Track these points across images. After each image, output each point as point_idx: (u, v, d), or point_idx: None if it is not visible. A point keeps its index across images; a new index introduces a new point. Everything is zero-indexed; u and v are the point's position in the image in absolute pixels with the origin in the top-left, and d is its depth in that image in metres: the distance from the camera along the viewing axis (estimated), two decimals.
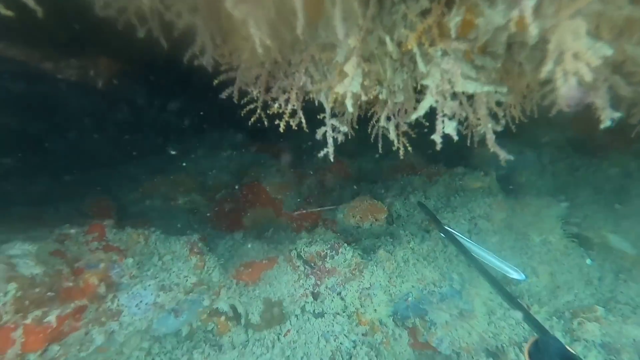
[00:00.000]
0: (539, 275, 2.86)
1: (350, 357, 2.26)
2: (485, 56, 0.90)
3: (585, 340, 2.30)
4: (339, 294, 2.44)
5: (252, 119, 1.28)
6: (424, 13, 0.86)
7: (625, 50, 0.94)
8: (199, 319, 2.24)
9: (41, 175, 3.69)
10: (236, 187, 4.00)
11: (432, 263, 2.70)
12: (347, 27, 0.81)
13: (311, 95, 0.98)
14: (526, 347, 1.57)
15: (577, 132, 4.08)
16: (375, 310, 2.45)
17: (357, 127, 1.64)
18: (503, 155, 0.96)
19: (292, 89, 1.04)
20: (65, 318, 1.47)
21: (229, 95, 1.19)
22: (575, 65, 0.73)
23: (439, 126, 0.95)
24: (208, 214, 3.78)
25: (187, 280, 1.94)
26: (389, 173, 4.24)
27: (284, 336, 2.36)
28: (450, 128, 0.94)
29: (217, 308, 2.22)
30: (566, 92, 0.77)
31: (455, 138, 0.95)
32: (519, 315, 1.68)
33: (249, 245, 2.58)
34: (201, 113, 5.08)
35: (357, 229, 3.17)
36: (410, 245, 2.73)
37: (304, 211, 3.38)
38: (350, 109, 0.95)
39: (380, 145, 1.30)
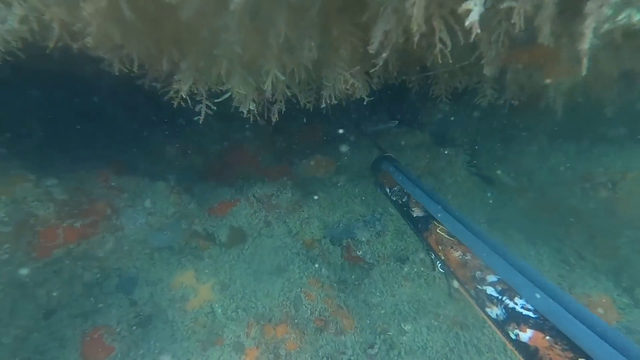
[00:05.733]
0: None
1: (292, 264, 3.16)
2: None
3: None
4: (285, 222, 3.31)
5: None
6: None
7: None
8: (183, 238, 3.19)
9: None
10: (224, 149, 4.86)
11: (363, 201, 3.50)
12: None
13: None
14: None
15: None
16: (312, 232, 3.31)
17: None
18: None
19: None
20: (87, 226, 2.41)
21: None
22: None
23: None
24: (201, 170, 4.71)
25: (167, 210, 2.85)
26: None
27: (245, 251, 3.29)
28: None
29: (194, 231, 3.15)
30: None
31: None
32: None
33: (220, 190, 3.47)
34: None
35: (312, 177, 3.98)
36: (346, 188, 3.54)
37: None
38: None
39: None
